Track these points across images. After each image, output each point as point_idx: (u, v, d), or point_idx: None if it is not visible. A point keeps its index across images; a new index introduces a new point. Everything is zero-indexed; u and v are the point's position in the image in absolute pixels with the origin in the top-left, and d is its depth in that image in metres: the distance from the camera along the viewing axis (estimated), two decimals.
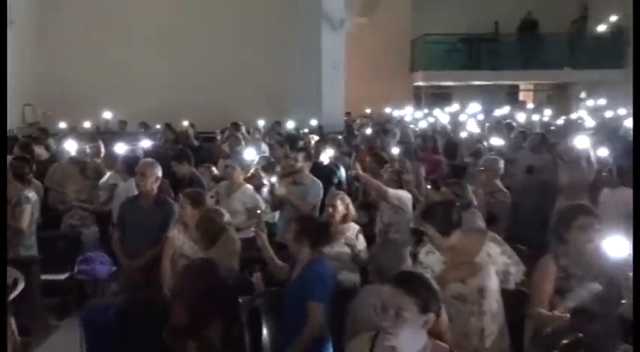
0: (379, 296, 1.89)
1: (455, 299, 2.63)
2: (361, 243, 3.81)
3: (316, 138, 7.85)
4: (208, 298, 2.02)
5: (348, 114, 13.51)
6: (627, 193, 4.75)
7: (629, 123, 9.81)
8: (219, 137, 8.61)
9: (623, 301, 2.60)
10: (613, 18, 15.15)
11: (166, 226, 3.71)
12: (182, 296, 2.06)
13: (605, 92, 14.88)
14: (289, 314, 2.88)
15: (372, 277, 2.96)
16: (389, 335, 1.79)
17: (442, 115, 11.15)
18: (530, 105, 16.35)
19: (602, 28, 15.40)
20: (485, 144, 7.38)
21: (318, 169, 5.46)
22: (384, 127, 9.11)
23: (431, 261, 2.78)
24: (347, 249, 3.76)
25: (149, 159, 4.30)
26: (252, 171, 5.63)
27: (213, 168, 5.91)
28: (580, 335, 1.41)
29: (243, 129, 8.76)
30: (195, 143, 8.61)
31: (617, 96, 14.41)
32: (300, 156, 4.99)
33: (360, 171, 4.49)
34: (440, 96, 18.08)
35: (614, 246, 2.46)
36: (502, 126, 8.89)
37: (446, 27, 15.64)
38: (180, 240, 3.52)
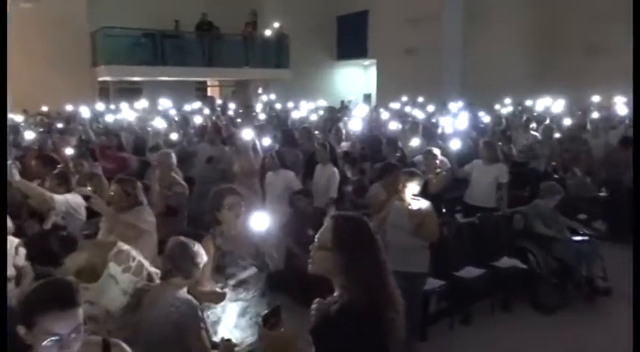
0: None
1: (89, 320, 2.57)
2: (21, 258, 3.38)
3: None
4: None
5: (25, 112, 11.66)
6: (286, 174, 5.63)
7: (295, 114, 11.56)
8: None
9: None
10: (277, 24, 17.46)
11: None
12: None
13: (276, 88, 17.14)
14: None
15: None
16: None
17: (128, 111, 10.76)
18: (219, 101, 17.41)
19: (268, 32, 17.54)
20: (173, 138, 7.57)
21: None
22: (59, 126, 8.25)
23: None
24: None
25: None
26: None
27: None
28: (278, 304, 1.60)
29: None
30: None
31: (285, 92, 16.82)
32: None
33: (18, 177, 3.94)
34: (130, 92, 17.46)
35: (258, 221, 2.89)
36: (186, 121, 9.18)
37: (126, 21, 15.12)
38: None
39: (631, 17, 14.87)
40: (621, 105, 11.43)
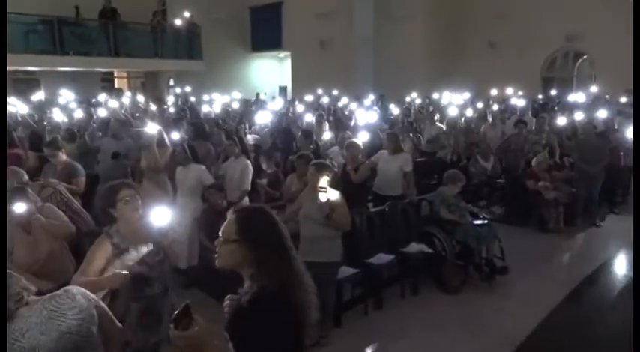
0: None
1: None
2: None
3: None
4: None
5: None
6: (198, 168, 5.47)
7: (205, 108, 11.31)
8: None
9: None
10: (187, 14, 16.85)
11: None
12: None
13: (189, 80, 16.60)
14: None
15: None
16: None
17: (22, 104, 9.90)
18: (127, 93, 16.53)
19: (179, 22, 16.89)
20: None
21: None
22: None
23: None
24: None
25: None
26: None
27: None
28: (187, 302, 1.51)
29: None
30: None
31: (199, 84, 16.36)
32: None
33: None
34: (26, 83, 16.10)
35: (158, 216, 2.78)
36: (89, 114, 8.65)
37: (20, 5, 13.81)
38: None
39: (521, 17, 16.13)
40: (515, 99, 12.42)
